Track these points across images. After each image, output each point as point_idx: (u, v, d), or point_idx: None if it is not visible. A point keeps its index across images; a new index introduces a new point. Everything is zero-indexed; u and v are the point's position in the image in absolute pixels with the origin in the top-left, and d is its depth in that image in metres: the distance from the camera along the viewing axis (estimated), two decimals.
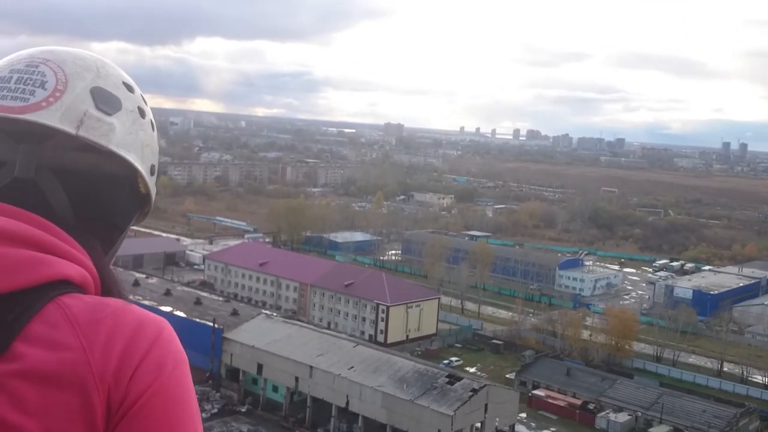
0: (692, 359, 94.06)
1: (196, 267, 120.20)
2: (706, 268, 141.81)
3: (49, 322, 1.32)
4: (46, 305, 1.34)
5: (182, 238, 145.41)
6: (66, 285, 1.40)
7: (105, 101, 1.57)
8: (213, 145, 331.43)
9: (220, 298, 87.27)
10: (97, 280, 1.50)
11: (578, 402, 74.69)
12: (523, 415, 71.43)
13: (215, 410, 67.57)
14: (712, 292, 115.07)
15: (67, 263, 1.43)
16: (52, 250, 1.42)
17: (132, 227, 1.86)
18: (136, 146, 1.62)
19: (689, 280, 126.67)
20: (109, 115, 1.57)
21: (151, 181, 1.70)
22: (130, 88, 1.67)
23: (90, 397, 1.28)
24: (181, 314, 76.01)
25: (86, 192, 1.56)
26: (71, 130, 1.50)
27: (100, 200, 1.60)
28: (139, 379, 1.34)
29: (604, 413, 72.88)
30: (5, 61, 1.60)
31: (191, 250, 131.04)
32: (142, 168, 1.64)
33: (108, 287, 1.53)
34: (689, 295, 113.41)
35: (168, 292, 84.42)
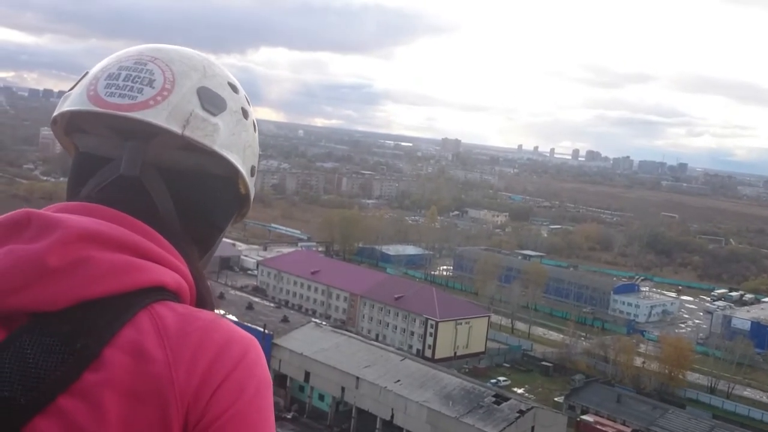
0: (747, 392, 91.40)
1: (249, 272, 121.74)
2: (766, 299, 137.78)
3: (140, 331, 1.29)
4: (138, 313, 1.30)
5: (238, 243, 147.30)
6: (161, 292, 1.36)
7: (211, 101, 1.56)
8: (271, 153, 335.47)
9: (272, 305, 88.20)
10: (192, 287, 1.46)
11: (628, 430, 73.14)
12: None
13: None
14: None
15: (163, 269, 1.39)
16: (149, 256, 1.38)
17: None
18: (238, 147, 1.60)
19: (748, 311, 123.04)
20: (214, 115, 1.55)
21: (251, 182, 1.68)
22: (234, 89, 1.64)
23: (169, 413, 1.26)
24: (233, 318, 77.17)
25: (189, 191, 1.56)
26: (177, 130, 1.49)
27: (202, 200, 1.59)
28: (218, 400, 1.30)
29: None
30: (114, 57, 1.59)
31: (246, 256, 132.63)
32: (244, 169, 1.62)
33: (202, 296, 1.50)
34: (747, 326, 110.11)
35: (221, 296, 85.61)
